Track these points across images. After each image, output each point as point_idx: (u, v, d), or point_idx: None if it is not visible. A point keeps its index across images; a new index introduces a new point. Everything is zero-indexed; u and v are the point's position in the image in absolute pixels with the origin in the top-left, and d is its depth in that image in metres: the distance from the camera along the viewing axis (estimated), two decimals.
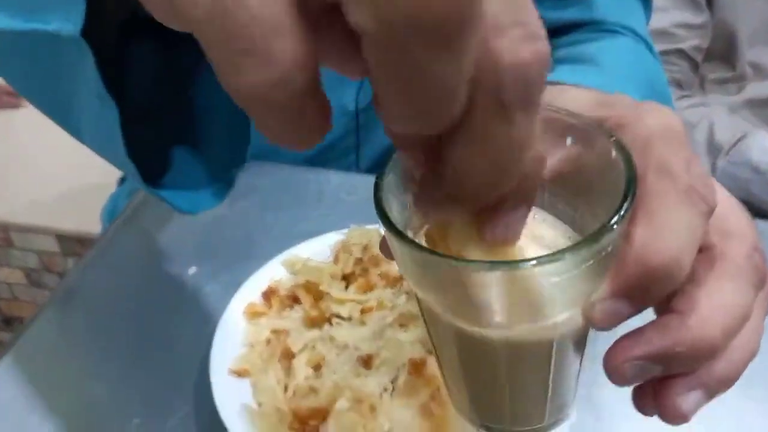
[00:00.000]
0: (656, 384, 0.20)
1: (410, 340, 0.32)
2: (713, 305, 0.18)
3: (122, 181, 0.75)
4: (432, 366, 0.30)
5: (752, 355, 0.20)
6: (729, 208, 0.20)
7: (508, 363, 0.19)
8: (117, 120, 0.25)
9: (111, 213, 0.72)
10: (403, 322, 0.33)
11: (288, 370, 0.32)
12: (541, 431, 0.22)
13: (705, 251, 0.19)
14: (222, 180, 0.32)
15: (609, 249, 0.17)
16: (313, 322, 0.35)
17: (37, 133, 1.06)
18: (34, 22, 0.25)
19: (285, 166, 0.55)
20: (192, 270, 0.42)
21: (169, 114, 0.31)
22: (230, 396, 0.31)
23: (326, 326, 0.34)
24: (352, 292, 0.36)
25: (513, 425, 0.22)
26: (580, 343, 0.20)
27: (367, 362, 0.32)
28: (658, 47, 0.69)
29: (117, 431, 0.32)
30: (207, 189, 0.32)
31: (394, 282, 0.38)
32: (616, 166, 0.18)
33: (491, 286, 0.17)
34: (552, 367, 0.20)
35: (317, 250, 0.40)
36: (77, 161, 1.07)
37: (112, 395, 0.34)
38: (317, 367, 0.32)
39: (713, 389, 0.20)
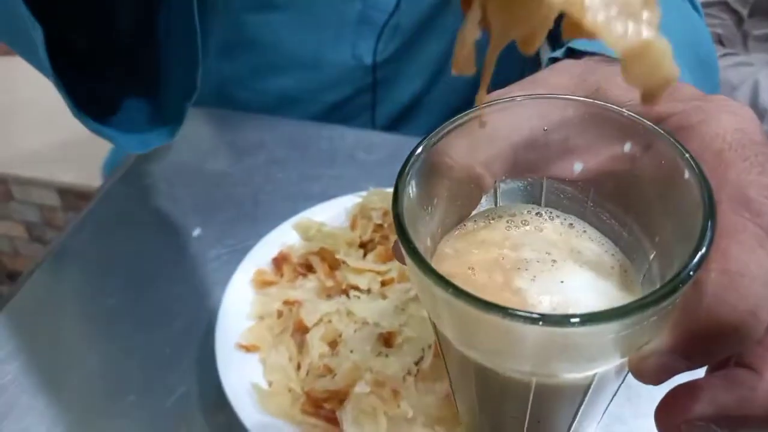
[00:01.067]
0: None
1: None
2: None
3: None
4: None
5: None
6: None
7: (534, 402, 0.16)
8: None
9: (111, 166, 0.69)
10: None
11: (301, 347, 0.29)
12: None
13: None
14: (174, 118, 0.31)
15: (677, 300, 0.13)
16: (329, 294, 0.32)
17: (37, 82, 1.03)
18: None
19: (294, 121, 0.51)
20: (196, 232, 0.39)
21: (123, 53, 0.31)
22: (237, 373, 0.28)
23: (343, 298, 0.31)
24: (371, 262, 0.33)
25: None
26: (615, 383, 0.17)
27: (388, 340, 0.28)
28: None
29: (110, 409, 0.29)
30: (159, 128, 0.31)
31: None
32: (686, 189, 0.14)
33: (534, 339, 0.13)
34: (582, 407, 0.17)
35: (332, 213, 0.36)
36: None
37: (106, 368, 0.31)
38: (333, 344, 0.29)
39: None
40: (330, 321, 0.30)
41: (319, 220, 0.36)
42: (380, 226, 0.35)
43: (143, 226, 0.40)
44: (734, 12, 0.65)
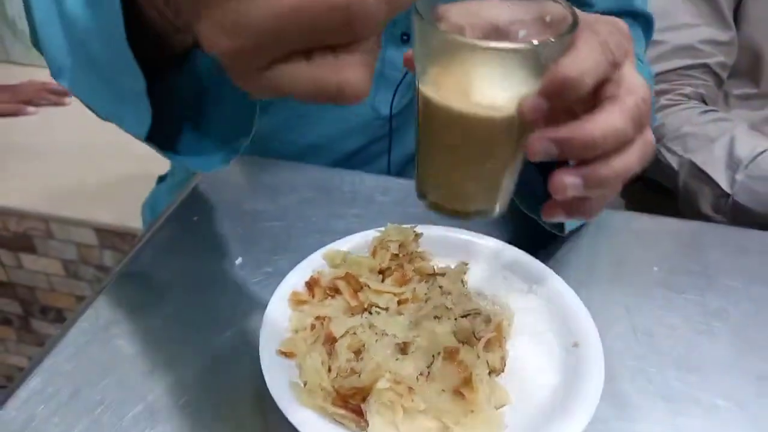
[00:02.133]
0: (553, 171, 0.29)
1: (445, 331, 0.34)
2: (603, 119, 0.28)
3: (161, 179, 0.79)
4: (463, 353, 0.33)
5: (627, 171, 0.30)
6: (636, 77, 0.30)
7: (472, 140, 0.28)
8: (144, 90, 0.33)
9: (152, 208, 0.76)
10: (437, 314, 0.36)
11: (330, 354, 0.35)
12: (471, 215, 0.31)
13: (611, 97, 0.29)
14: (231, 148, 0.39)
15: (546, 61, 0.26)
16: (353, 311, 0.38)
17: (79, 129, 1.11)
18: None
19: (320, 168, 0.58)
20: (238, 261, 0.45)
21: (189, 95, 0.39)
22: (278, 375, 0.34)
23: (365, 315, 0.37)
24: (389, 285, 0.39)
25: (461, 204, 0.31)
26: (516, 141, 0.28)
27: (403, 349, 0.34)
28: (683, 62, 0.71)
29: (166, 408, 0.35)
30: (217, 154, 0.39)
31: (427, 277, 0.40)
32: (566, 17, 0.27)
33: (473, 65, 0.26)
34: (498, 152, 0.29)
35: (356, 245, 0.43)
36: (116, 155, 1.12)
37: (161, 376, 0.37)
38: (358, 353, 0.34)
39: (591, 182, 0.29)
40: (355, 333, 0.35)
41: (344, 249, 0.42)
42: (396, 255, 0.41)
43: (193, 256, 0.46)
44: (715, 74, 0.72)
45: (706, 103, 0.72)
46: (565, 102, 0.27)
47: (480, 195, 0.30)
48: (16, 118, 1.18)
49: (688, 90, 0.70)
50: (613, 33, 0.29)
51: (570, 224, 0.46)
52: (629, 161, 0.29)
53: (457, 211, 0.31)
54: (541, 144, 0.28)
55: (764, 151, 0.62)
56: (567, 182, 0.29)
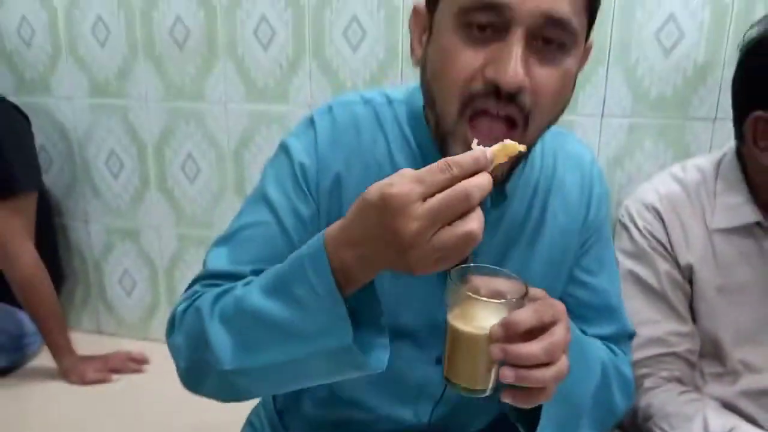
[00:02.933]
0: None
1: None
2: (527, 347, 0.50)
3: None
4: None
5: (544, 380, 0.52)
6: (556, 335, 0.52)
7: (471, 346, 0.52)
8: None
9: None
10: None
11: None
12: (476, 392, 0.54)
13: (539, 338, 0.51)
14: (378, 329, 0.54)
15: (509, 310, 0.52)
16: None
17: (159, 395, 1.27)
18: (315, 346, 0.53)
19: None
20: None
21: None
22: None
23: None
24: None
25: (469, 384, 0.54)
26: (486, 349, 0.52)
27: None
28: (656, 351, 0.88)
29: None
30: (380, 351, 0.54)
31: None
32: (522, 292, 0.53)
33: (475, 307, 0.52)
34: (484, 354, 0.51)
35: None
36: (195, 420, 1.23)
37: None
38: None
39: (520, 378, 0.51)
40: None
41: None
42: None
43: None
44: (686, 359, 0.88)
45: (683, 384, 0.87)
46: (516, 333, 0.50)
47: (479, 380, 0.53)
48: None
49: (665, 374, 0.86)
50: (546, 307, 0.52)
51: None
52: (545, 375, 0.51)
53: (465, 388, 0.53)
54: (496, 348, 0.51)
55: (733, 429, 0.75)
56: (506, 372, 0.51)
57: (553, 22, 0.52)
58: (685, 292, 0.89)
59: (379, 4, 1.29)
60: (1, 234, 1.30)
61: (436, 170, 0.45)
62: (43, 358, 1.48)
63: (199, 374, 0.60)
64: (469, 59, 0.54)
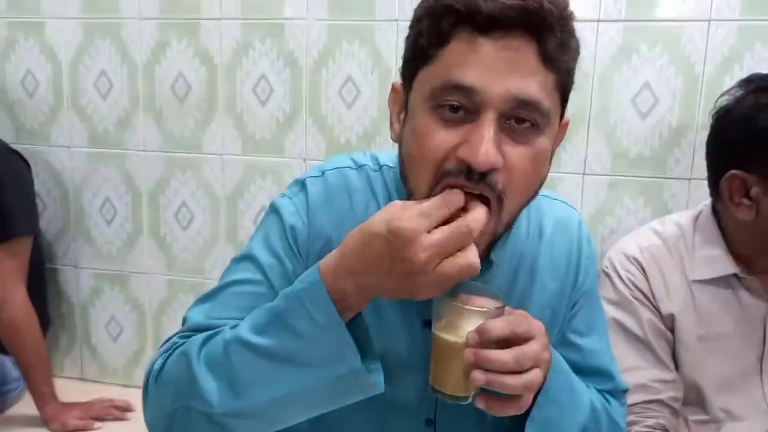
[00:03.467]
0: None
1: None
2: (498, 354, 0.55)
3: None
4: None
5: (513, 386, 0.55)
6: (531, 348, 0.56)
7: (451, 352, 0.56)
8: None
9: None
10: None
11: None
12: (458, 399, 0.58)
13: (512, 348, 0.55)
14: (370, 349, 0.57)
15: (486, 319, 0.56)
16: None
17: None
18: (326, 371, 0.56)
19: None
20: None
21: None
22: None
23: None
24: None
25: (451, 391, 0.58)
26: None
27: None
28: (641, 398, 0.91)
29: None
30: (377, 373, 0.56)
31: None
32: (500, 305, 0.58)
33: (458, 316, 0.57)
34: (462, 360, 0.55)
35: None
36: None
37: None
38: None
39: (490, 382, 0.54)
40: None
41: None
42: None
43: None
44: (670, 407, 0.91)
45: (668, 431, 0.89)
46: (489, 339, 0.54)
47: (461, 387, 0.57)
48: None
49: (651, 422, 0.88)
50: (521, 319, 0.57)
51: None
52: (514, 381, 0.54)
53: (450, 396, 0.57)
54: (469, 352, 0.54)
55: None
56: (476, 375, 0.54)
57: (523, 103, 0.54)
58: (668, 340, 0.93)
59: (373, 65, 1.36)
60: None
61: (438, 205, 0.52)
62: (24, 405, 1.45)
63: (186, 423, 0.59)
64: (442, 140, 0.55)
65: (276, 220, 0.68)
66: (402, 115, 0.62)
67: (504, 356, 0.54)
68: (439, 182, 0.56)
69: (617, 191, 1.30)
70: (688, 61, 1.23)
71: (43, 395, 1.37)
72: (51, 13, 1.51)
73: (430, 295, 0.53)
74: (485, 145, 0.53)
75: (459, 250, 0.51)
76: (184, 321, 0.68)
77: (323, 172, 0.70)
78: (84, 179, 1.57)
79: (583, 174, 1.31)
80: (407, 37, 0.60)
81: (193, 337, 0.61)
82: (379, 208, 0.63)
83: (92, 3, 1.48)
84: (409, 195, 0.61)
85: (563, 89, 0.58)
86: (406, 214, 0.51)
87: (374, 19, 1.35)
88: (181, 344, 0.62)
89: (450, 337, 0.56)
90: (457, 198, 0.53)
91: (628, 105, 1.27)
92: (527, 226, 0.72)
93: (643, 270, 0.93)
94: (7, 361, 1.43)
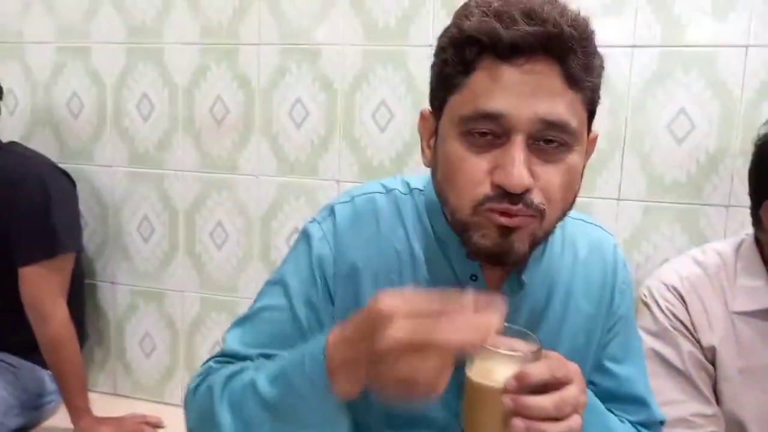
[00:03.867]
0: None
1: None
2: (537, 400, 0.52)
3: None
4: None
5: (569, 429, 0.53)
6: (569, 392, 0.53)
7: (488, 397, 0.54)
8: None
9: None
10: None
11: None
12: None
13: (564, 384, 0.53)
14: None
15: (523, 363, 0.53)
16: None
17: None
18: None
19: None
20: None
21: None
22: None
23: None
24: None
25: None
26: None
27: None
28: None
29: None
30: None
31: None
32: (536, 349, 0.55)
33: (492, 362, 0.54)
34: (500, 406, 0.53)
35: None
36: None
37: None
38: None
39: (533, 428, 0.51)
40: None
41: None
42: None
43: None
44: None
45: None
46: (528, 385, 0.52)
47: None
48: None
49: None
50: (559, 364, 0.54)
51: None
52: (554, 429, 0.52)
53: None
54: (507, 398, 0.52)
55: None
56: (517, 422, 0.52)
57: (551, 125, 0.55)
58: (709, 373, 0.91)
59: (407, 90, 1.38)
60: (37, 292, 1.34)
61: (427, 303, 0.48)
62: (58, 419, 1.48)
63: None
64: (474, 166, 0.57)
65: (305, 247, 0.71)
66: (432, 141, 0.64)
67: (544, 402, 0.52)
68: (482, 205, 0.57)
69: (653, 217, 1.28)
70: (724, 87, 1.22)
71: (78, 409, 1.40)
72: (98, 38, 1.57)
73: (386, 389, 0.48)
74: (518, 168, 0.54)
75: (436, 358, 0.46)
76: (224, 340, 0.71)
77: (353, 198, 0.72)
78: (123, 198, 1.62)
79: (618, 199, 1.30)
80: (433, 65, 0.62)
81: (222, 371, 0.64)
82: (405, 231, 0.69)
83: (136, 29, 1.54)
84: (452, 215, 0.62)
85: (590, 106, 0.59)
86: (393, 297, 0.48)
87: (408, 44, 1.37)
88: (213, 372, 0.66)
89: (486, 382, 0.54)
90: (456, 297, 0.48)
91: (664, 130, 1.26)
92: (561, 248, 0.72)
93: (683, 300, 0.92)
94: (45, 375, 1.46)
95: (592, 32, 0.57)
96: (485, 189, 0.57)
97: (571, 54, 0.55)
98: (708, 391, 0.90)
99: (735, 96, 1.21)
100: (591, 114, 0.60)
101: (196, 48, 1.51)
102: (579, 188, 0.62)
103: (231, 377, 0.62)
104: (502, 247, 0.58)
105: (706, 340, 0.90)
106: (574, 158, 0.58)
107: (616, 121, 1.28)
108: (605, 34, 1.24)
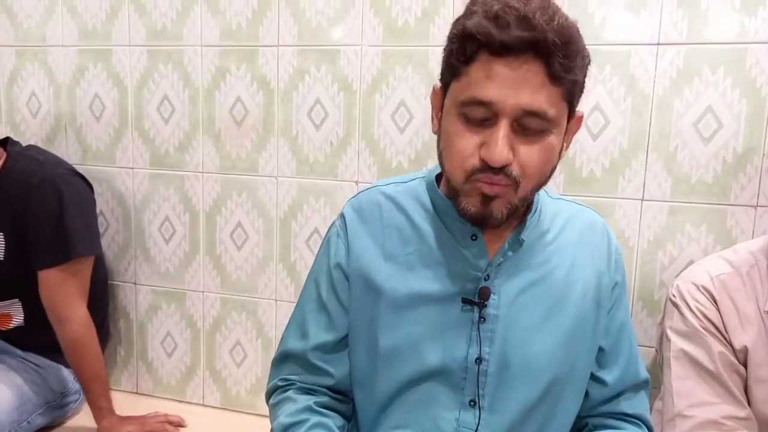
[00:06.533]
0: None
1: None
2: None
3: None
4: None
5: None
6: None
7: None
8: None
9: None
10: None
11: None
12: None
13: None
14: None
15: None
16: None
17: None
18: None
19: None
20: None
21: None
22: None
23: None
24: None
25: None
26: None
27: None
28: None
29: None
30: None
31: None
32: None
33: None
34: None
35: None
36: None
37: None
38: None
39: None
40: None
41: None
42: None
43: None
44: None
45: None
46: None
47: None
48: None
49: None
50: None
51: None
52: None
53: None
54: None
55: None
56: None
57: (531, 113, 0.66)
58: (741, 375, 0.89)
59: (427, 90, 1.38)
60: (54, 296, 1.35)
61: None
62: (82, 418, 1.50)
63: None
64: (467, 141, 0.69)
65: (326, 247, 0.86)
66: (439, 114, 0.76)
67: None
68: (471, 175, 0.70)
69: (678, 218, 1.26)
70: (753, 85, 1.19)
71: (101, 408, 1.41)
72: (119, 41, 1.59)
73: None
74: (500, 147, 0.67)
75: None
76: (282, 340, 0.88)
77: (358, 194, 0.87)
78: (145, 199, 1.63)
79: (642, 200, 1.28)
80: (444, 49, 0.74)
81: (281, 419, 0.78)
82: (404, 213, 0.82)
83: (157, 32, 1.55)
84: (448, 180, 0.74)
85: (570, 97, 0.69)
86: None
87: (428, 44, 1.36)
88: (282, 404, 0.82)
89: None
90: None
91: (690, 129, 1.24)
92: (564, 222, 0.83)
93: (714, 300, 0.90)
94: (69, 375, 1.48)
95: (576, 37, 0.67)
96: (474, 161, 0.69)
97: (553, 56, 0.64)
98: (740, 393, 0.88)
99: (764, 94, 1.19)
100: (570, 103, 0.70)
101: (215, 50, 1.51)
102: (556, 164, 0.74)
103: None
104: (483, 213, 0.71)
105: (738, 340, 0.88)
106: (551, 139, 0.70)
107: (641, 120, 1.26)
108: (630, 32, 1.23)
